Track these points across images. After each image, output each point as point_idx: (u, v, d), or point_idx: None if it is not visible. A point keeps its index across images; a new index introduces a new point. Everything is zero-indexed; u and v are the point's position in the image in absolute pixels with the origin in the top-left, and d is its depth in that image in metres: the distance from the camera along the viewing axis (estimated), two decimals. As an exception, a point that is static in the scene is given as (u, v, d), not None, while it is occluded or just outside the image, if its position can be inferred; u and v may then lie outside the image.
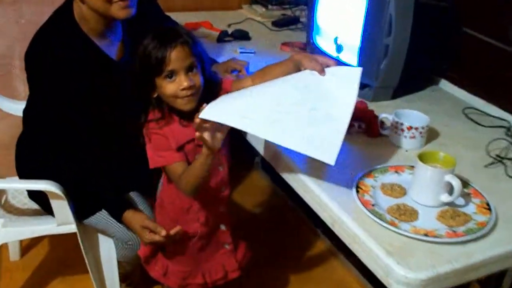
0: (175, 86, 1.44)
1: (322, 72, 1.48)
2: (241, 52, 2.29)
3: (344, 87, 1.45)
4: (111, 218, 1.77)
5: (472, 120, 1.88)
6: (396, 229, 1.25)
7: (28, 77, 1.72)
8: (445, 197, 1.35)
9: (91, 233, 1.89)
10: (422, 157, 1.38)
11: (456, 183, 1.31)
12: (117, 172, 1.74)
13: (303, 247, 2.66)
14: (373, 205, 1.34)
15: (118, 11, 1.63)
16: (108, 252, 1.93)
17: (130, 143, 1.55)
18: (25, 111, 1.90)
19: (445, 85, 2.12)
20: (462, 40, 2.03)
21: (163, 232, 1.55)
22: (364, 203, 1.34)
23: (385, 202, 1.37)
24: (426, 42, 1.94)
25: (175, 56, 1.42)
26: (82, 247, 1.84)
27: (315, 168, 1.46)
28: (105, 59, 1.74)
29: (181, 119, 1.50)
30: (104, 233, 1.88)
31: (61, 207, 1.75)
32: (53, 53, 1.63)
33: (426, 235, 1.24)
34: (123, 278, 2.09)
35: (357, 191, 1.38)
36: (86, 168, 1.73)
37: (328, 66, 1.50)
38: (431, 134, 1.70)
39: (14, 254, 2.43)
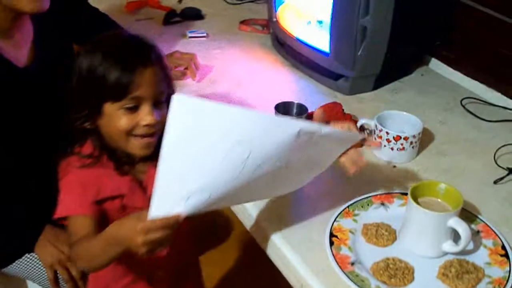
0: (135, 119, 1.02)
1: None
2: (190, 37, 1.89)
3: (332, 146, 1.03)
4: (34, 265, 1.44)
5: (472, 113, 1.52)
6: (385, 303, 0.91)
7: None
8: (449, 246, 1.01)
9: (16, 280, 1.55)
10: (416, 191, 1.03)
11: (463, 230, 0.97)
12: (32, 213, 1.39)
13: None
14: (352, 263, 1.00)
15: (28, 3, 1.24)
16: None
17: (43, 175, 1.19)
18: None
19: (437, 65, 1.76)
20: (458, 12, 1.65)
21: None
22: (340, 262, 0.99)
23: (369, 256, 1.02)
24: (413, 18, 1.56)
25: (146, 80, 1.00)
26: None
27: (277, 213, 1.11)
28: (6, 66, 1.34)
29: (117, 165, 1.09)
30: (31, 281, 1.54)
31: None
32: None
33: (425, 310, 0.90)
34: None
35: (331, 242, 1.03)
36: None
37: None
38: (424, 137, 1.35)
39: None
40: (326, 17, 1.52)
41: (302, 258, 1.02)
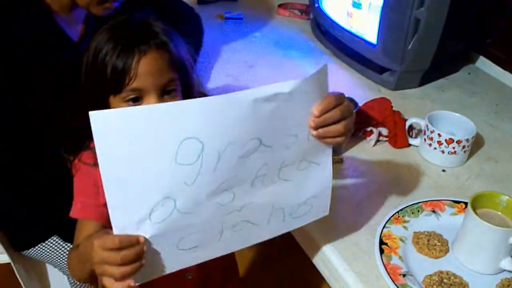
0: None
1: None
2: (226, 18, 1.81)
3: (305, 106, 0.82)
4: (57, 250, 1.40)
5: (524, 118, 1.44)
6: (440, 322, 0.84)
7: None
8: (508, 263, 0.94)
9: (37, 264, 1.50)
10: (475, 202, 0.96)
11: (527, 248, 0.90)
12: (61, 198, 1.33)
13: None
14: (404, 275, 0.93)
15: None
16: (59, 284, 1.54)
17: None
18: None
19: (485, 64, 1.67)
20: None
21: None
22: (392, 273, 0.92)
23: (421, 267, 0.95)
24: (467, 12, 1.47)
25: (145, 69, 0.88)
26: (20, 281, 1.44)
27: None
28: (66, 42, 1.27)
29: None
30: (52, 265, 1.49)
31: (-11, 235, 1.36)
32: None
33: (484, 333, 0.83)
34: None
35: (381, 250, 0.96)
36: (20, 192, 1.33)
37: None
38: (474, 142, 1.27)
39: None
40: (371, 12, 1.44)
41: (349, 265, 0.95)
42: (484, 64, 1.67)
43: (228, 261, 1.19)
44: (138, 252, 0.74)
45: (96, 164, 0.73)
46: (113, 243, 0.73)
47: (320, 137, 0.83)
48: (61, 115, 1.07)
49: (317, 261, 1.03)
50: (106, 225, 0.89)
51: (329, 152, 0.88)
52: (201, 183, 0.76)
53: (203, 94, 1.03)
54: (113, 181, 0.72)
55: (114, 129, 0.70)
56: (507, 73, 1.60)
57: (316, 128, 0.82)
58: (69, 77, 1.17)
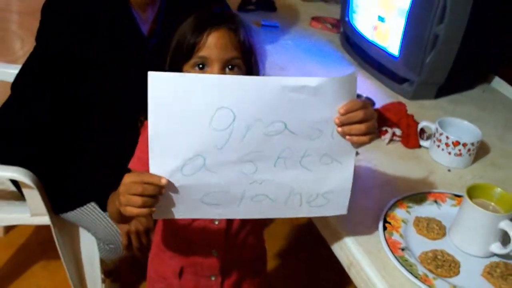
0: None
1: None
2: (263, 25, 1.97)
3: (331, 105, 0.92)
4: (93, 216, 1.53)
5: (531, 134, 1.55)
6: (430, 288, 0.96)
7: (39, 32, 1.46)
8: (497, 248, 1.05)
9: (71, 227, 1.64)
10: (472, 192, 1.08)
11: (514, 233, 1.01)
12: (105, 168, 1.48)
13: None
14: (403, 249, 1.05)
15: None
16: (89, 248, 1.68)
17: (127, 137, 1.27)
18: (18, 76, 1.63)
19: (500, 84, 1.79)
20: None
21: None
22: (392, 246, 1.05)
23: (419, 245, 1.08)
24: (484, 33, 1.60)
25: (212, 42, 1.03)
26: (56, 242, 1.60)
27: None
28: (138, 35, 1.46)
29: None
30: (85, 229, 1.63)
31: (34, 197, 1.51)
32: (80, 9, 1.37)
33: (468, 301, 0.95)
34: (107, 273, 1.88)
35: (384, 227, 1.09)
36: (70, 160, 1.48)
37: None
38: (480, 150, 1.40)
39: (-2, 230, 2.22)
40: (395, 26, 1.58)
41: (355, 239, 1.08)
42: (499, 84, 1.79)
43: (258, 254, 1.31)
44: (155, 189, 0.89)
45: None
46: (138, 176, 0.89)
47: (345, 134, 0.94)
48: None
49: (326, 233, 1.16)
50: None
51: (352, 154, 0.97)
52: (228, 149, 0.90)
53: None
54: (157, 133, 0.87)
55: (165, 89, 0.85)
56: (518, 92, 1.72)
57: (340, 125, 0.93)
58: (134, 63, 1.35)
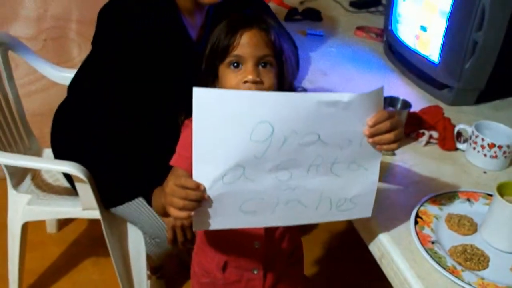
0: (238, 77, 1.11)
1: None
2: (309, 34, 2.05)
3: (361, 118, 1.01)
4: (140, 210, 1.62)
5: None
6: (457, 279, 1.00)
7: (95, 37, 1.58)
8: (526, 243, 1.09)
9: (119, 222, 1.75)
10: (502, 189, 1.12)
11: (543, 229, 1.05)
12: (152, 164, 1.57)
13: None
14: (433, 242, 1.10)
15: None
16: (136, 243, 1.78)
17: (172, 134, 1.36)
18: (74, 79, 1.76)
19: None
20: None
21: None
22: (422, 239, 1.10)
23: (449, 239, 1.12)
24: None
25: (246, 40, 1.11)
26: (105, 235, 1.70)
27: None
28: (187, 40, 1.56)
29: None
30: (132, 224, 1.73)
31: (86, 191, 1.62)
32: (134, 15, 1.47)
33: (495, 292, 0.99)
34: (154, 270, 1.97)
35: (416, 222, 1.14)
36: (121, 156, 1.58)
37: None
38: (516, 154, 1.42)
39: (51, 226, 2.36)
40: (435, 33, 1.63)
41: (387, 231, 1.13)
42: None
43: (295, 247, 1.35)
44: (197, 195, 0.96)
45: None
46: (182, 181, 0.96)
47: (375, 143, 1.02)
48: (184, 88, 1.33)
49: (358, 226, 1.21)
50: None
51: (377, 161, 1.05)
52: (267, 158, 0.98)
53: (293, 88, 1.24)
54: (201, 144, 0.95)
55: (209, 104, 0.93)
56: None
57: (370, 136, 1.01)
58: (185, 73, 1.44)
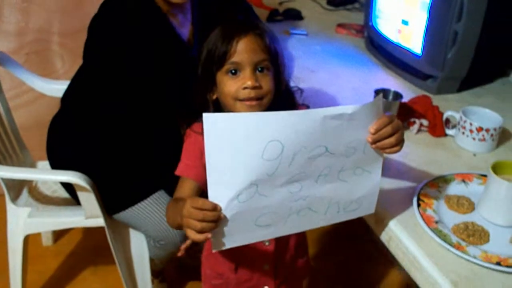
0: (237, 84, 1.14)
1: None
2: (292, 33, 2.11)
3: (364, 126, 1.07)
4: (144, 214, 1.66)
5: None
6: (464, 254, 1.07)
7: (86, 45, 1.60)
8: (522, 217, 1.16)
9: (122, 228, 1.78)
10: (495, 168, 1.19)
11: (537, 202, 1.12)
12: (150, 167, 1.62)
13: (376, 277, 2.35)
14: (436, 222, 1.17)
15: None
16: (139, 248, 1.81)
17: (170, 138, 1.39)
18: (69, 90, 1.78)
19: (518, 77, 1.90)
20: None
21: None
22: (427, 220, 1.16)
23: (451, 219, 1.19)
24: (501, 30, 1.71)
25: (242, 47, 1.13)
26: (110, 242, 1.73)
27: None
28: (177, 40, 1.58)
29: None
30: (136, 228, 1.76)
31: (89, 200, 1.65)
32: (123, 20, 1.50)
33: (499, 263, 1.06)
34: (156, 274, 2.00)
35: (418, 205, 1.21)
36: (122, 161, 1.61)
37: None
38: (503, 137, 1.51)
39: (47, 239, 2.37)
40: (417, 25, 1.71)
41: (392, 216, 1.19)
42: (517, 77, 1.90)
43: (301, 240, 1.40)
44: (215, 215, 0.98)
45: (203, 133, 0.96)
46: (199, 203, 0.98)
47: (378, 148, 1.08)
48: (180, 95, 1.35)
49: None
50: (201, 185, 1.16)
51: (380, 164, 1.11)
52: (278, 174, 1.01)
53: (289, 88, 1.30)
54: (214, 167, 0.97)
55: (220, 128, 0.96)
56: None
57: (373, 143, 1.07)
58: (178, 70, 1.47)
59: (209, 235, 1.00)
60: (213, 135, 0.95)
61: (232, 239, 1.06)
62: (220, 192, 0.99)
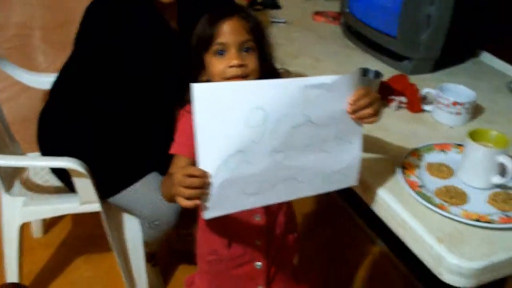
0: (224, 63, 1.21)
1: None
2: (272, 22, 2.19)
3: (343, 97, 1.13)
4: (138, 195, 1.71)
5: (518, 94, 1.77)
6: (446, 213, 1.17)
7: (79, 34, 1.65)
8: (497, 179, 1.26)
9: (116, 212, 1.83)
10: (472, 136, 1.30)
11: (510, 164, 1.23)
12: (142, 149, 1.68)
13: (358, 252, 2.45)
14: (420, 186, 1.26)
15: None
16: (133, 232, 1.87)
17: (162, 121, 1.46)
18: (59, 79, 1.83)
19: (487, 57, 2.02)
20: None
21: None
22: (411, 184, 1.26)
23: (433, 183, 1.29)
24: (471, 13, 1.83)
25: (228, 28, 1.20)
26: (106, 227, 1.78)
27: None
28: (166, 28, 1.65)
29: None
30: (129, 212, 1.82)
31: (84, 185, 1.69)
32: (122, 10, 1.57)
33: (478, 220, 1.16)
34: (149, 258, 2.05)
35: (403, 172, 1.30)
36: (115, 145, 1.67)
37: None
38: (476, 111, 1.62)
39: (37, 231, 2.40)
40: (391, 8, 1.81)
41: (379, 184, 1.28)
42: (486, 57, 2.01)
43: (290, 216, 1.47)
44: (201, 182, 1.03)
45: None
46: (189, 170, 1.03)
47: (357, 119, 1.15)
48: (172, 78, 1.42)
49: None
50: (194, 161, 1.16)
51: (359, 135, 1.18)
52: (264, 142, 1.06)
53: (275, 69, 1.36)
54: (203, 135, 1.02)
55: (208, 97, 1.02)
56: (507, 64, 1.94)
57: (352, 113, 1.14)
58: (168, 56, 1.53)
59: (198, 201, 1.05)
60: (200, 103, 1.00)
61: (222, 206, 1.10)
62: (209, 160, 1.04)
